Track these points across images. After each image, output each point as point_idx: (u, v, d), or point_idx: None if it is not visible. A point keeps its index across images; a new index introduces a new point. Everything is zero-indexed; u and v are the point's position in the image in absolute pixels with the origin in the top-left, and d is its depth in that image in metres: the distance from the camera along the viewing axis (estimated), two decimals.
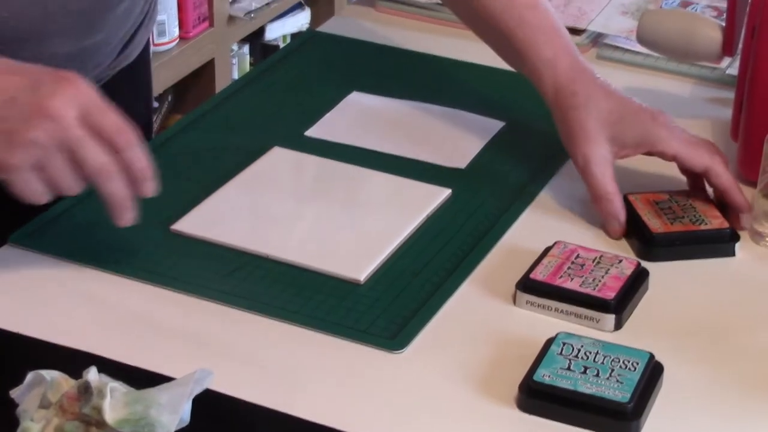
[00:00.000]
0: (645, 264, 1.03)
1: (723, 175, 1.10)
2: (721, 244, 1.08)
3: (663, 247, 1.06)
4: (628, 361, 0.91)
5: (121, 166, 0.95)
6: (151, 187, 0.97)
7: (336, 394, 0.91)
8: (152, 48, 1.61)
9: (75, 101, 0.93)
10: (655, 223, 1.08)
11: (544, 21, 1.16)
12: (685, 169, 1.14)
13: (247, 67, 2.66)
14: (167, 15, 2.31)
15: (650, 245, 1.06)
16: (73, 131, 0.93)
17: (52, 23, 1.10)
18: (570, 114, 1.12)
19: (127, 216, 0.97)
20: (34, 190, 0.94)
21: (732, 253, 1.07)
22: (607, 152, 1.11)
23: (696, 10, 1.47)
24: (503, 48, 1.20)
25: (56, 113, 0.92)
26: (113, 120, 0.95)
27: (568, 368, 0.90)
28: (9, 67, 0.96)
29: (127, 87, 1.29)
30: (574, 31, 1.43)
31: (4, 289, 1.01)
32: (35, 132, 0.92)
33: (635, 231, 1.08)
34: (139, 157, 0.96)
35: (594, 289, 0.99)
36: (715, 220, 1.08)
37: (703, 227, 1.07)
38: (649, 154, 1.12)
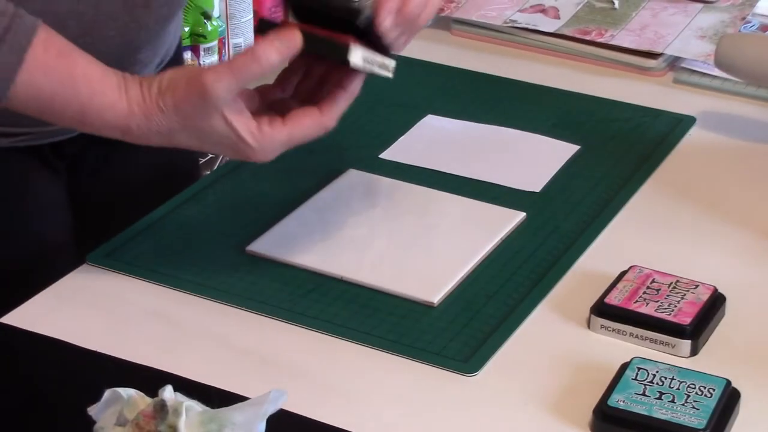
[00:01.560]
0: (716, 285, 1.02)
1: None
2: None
3: None
4: (705, 387, 0.90)
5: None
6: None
7: (408, 416, 0.91)
8: None
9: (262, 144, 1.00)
10: None
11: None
12: None
13: None
14: (243, 38, 2.33)
15: None
16: (280, 151, 1.02)
17: (146, 34, 1.14)
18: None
19: None
20: None
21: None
22: None
23: None
24: None
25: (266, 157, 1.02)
26: (259, 70, 0.96)
27: (643, 393, 0.89)
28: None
29: None
30: (651, 54, 1.43)
31: (83, 307, 1.03)
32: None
33: None
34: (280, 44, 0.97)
35: (670, 314, 0.98)
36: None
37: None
38: None
